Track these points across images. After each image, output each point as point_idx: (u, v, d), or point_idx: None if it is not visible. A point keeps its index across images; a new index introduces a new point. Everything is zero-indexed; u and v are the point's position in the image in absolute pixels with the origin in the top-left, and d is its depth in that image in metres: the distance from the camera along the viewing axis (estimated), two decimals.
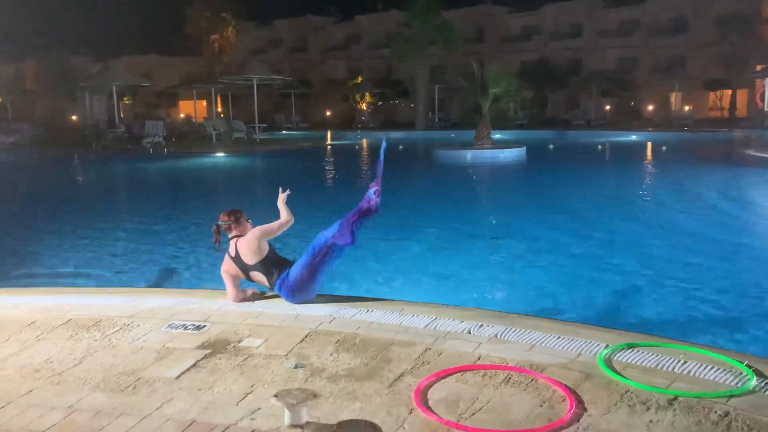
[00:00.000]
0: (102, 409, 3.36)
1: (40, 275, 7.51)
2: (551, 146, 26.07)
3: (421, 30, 38.56)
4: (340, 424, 3.17)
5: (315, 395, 3.28)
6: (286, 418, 3.14)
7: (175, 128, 30.56)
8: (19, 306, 5.12)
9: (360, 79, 49.70)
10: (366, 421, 3.20)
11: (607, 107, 44.72)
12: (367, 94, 47.63)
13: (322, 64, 56.85)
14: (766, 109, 19.24)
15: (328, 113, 52.42)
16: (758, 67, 38.34)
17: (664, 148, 25.03)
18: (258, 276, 4.98)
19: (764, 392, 3.37)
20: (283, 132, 39.08)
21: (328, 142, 32.14)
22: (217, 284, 5.39)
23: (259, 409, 3.31)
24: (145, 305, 5.04)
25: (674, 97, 43.54)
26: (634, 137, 31.54)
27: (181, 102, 52.14)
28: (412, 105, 42.76)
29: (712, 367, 3.68)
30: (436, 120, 44.00)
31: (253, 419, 3.22)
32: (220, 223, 5.12)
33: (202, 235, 9.57)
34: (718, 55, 40.02)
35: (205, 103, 43.47)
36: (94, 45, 51.87)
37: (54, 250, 8.72)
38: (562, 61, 47.66)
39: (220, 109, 43.97)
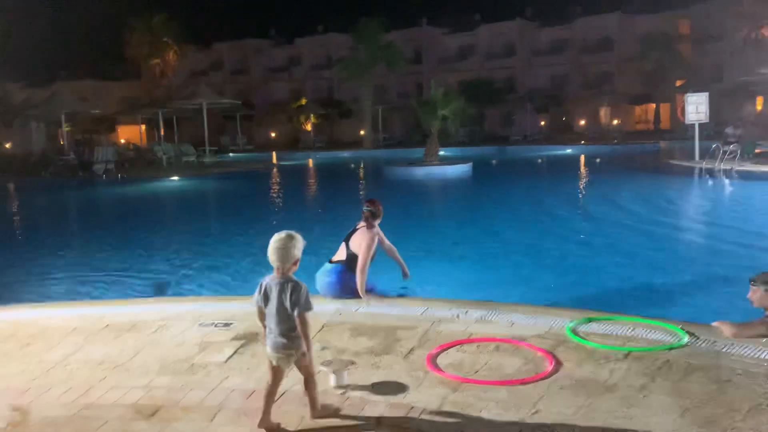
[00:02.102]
0: (172, 386, 4.07)
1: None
2: (494, 161, 27.56)
3: (366, 52, 39.81)
4: (374, 384, 3.99)
5: (353, 362, 4.10)
6: (332, 380, 3.94)
7: (122, 154, 30.50)
8: (53, 317, 5.70)
9: (305, 100, 50.46)
10: (393, 382, 4.02)
11: (542, 123, 46.94)
12: (312, 114, 48.42)
13: (264, 86, 57.40)
14: (686, 122, 21.03)
15: (272, 134, 52.92)
16: (678, 83, 41.28)
17: (598, 159, 26.84)
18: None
19: (695, 345, 4.37)
20: (230, 154, 39.37)
21: (274, 162, 32.75)
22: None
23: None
24: (172, 310, 5.70)
25: (603, 112, 46.17)
26: (569, 150, 33.47)
27: (119, 127, 51.55)
28: (360, 126, 43.77)
29: (655, 331, 4.68)
30: (381, 139, 45.19)
31: (302, 386, 3.99)
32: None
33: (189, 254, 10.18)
34: (642, 72, 42.78)
35: (144, 127, 43.31)
36: (25, 71, 50.75)
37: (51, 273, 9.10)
38: (498, 80, 49.79)
39: (163, 133, 43.86)
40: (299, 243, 3.48)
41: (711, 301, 6.56)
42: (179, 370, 4.36)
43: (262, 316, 3.53)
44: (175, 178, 23.58)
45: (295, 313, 3.38)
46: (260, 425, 3.45)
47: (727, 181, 17.14)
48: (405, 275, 6.25)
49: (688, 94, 20.66)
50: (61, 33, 56.55)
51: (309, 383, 3.57)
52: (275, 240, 3.47)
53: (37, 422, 3.71)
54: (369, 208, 5.97)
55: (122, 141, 46.40)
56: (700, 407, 3.50)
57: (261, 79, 57.75)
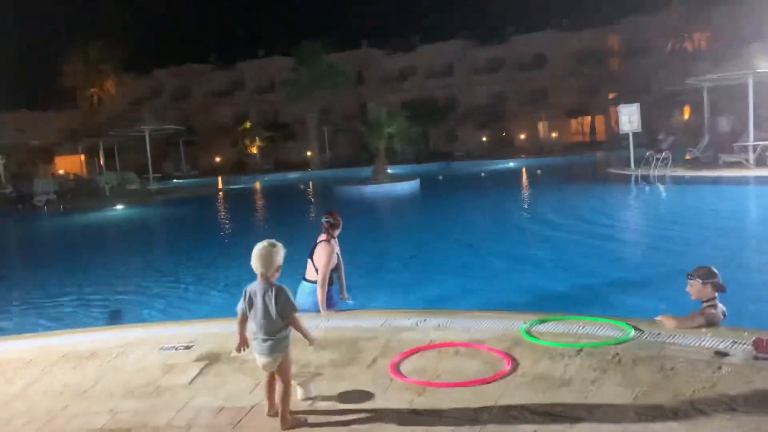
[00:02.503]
0: (139, 410, 4.07)
1: None
2: (440, 177, 28.04)
3: (309, 73, 40.05)
4: (340, 394, 4.09)
5: (318, 374, 4.20)
6: (299, 393, 4.02)
7: (63, 184, 29.70)
8: (6, 350, 5.58)
9: (248, 124, 50.20)
10: (358, 390, 4.13)
11: (484, 138, 48.03)
12: (257, 137, 48.21)
13: (207, 111, 56.81)
14: (620, 132, 21.97)
15: (217, 159, 52.35)
16: (611, 95, 43.02)
17: (539, 171, 27.69)
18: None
19: (641, 338, 4.64)
20: (174, 180, 38.76)
21: (220, 187, 32.48)
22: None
23: None
24: (131, 336, 5.66)
25: (541, 126, 47.61)
26: (511, 164, 34.38)
27: (57, 158, 50.09)
28: (306, 147, 43.84)
29: (603, 328, 4.94)
30: (329, 159, 45.33)
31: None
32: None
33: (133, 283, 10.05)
34: (576, 86, 44.41)
35: (83, 157, 42.25)
36: None
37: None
38: (439, 98, 50.73)
39: (102, 162, 42.88)
40: (281, 251, 3.74)
41: (652, 297, 6.93)
42: (144, 393, 4.36)
43: (243, 321, 3.76)
44: (120, 207, 23.11)
45: (285, 314, 3.65)
46: (268, 414, 3.81)
47: (661, 186, 17.99)
48: (342, 296, 6.27)
49: (621, 106, 21.62)
50: None
51: (285, 392, 3.69)
52: (258, 248, 3.71)
53: None
54: (328, 220, 6.10)
55: (61, 172, 45.10)
56: (648, 394, 3.74)
57: (203, 104, 57.15)
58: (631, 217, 14.52)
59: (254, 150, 48.84)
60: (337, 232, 6.15)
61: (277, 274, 3.73)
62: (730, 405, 3.51)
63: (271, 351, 3.67)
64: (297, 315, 3.74)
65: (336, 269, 6.09)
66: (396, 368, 4.42)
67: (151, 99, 56.62)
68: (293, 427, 3.66)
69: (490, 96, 51.43)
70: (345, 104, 50.85)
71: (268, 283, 3.67)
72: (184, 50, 70.74)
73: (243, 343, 3.80)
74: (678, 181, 17.91)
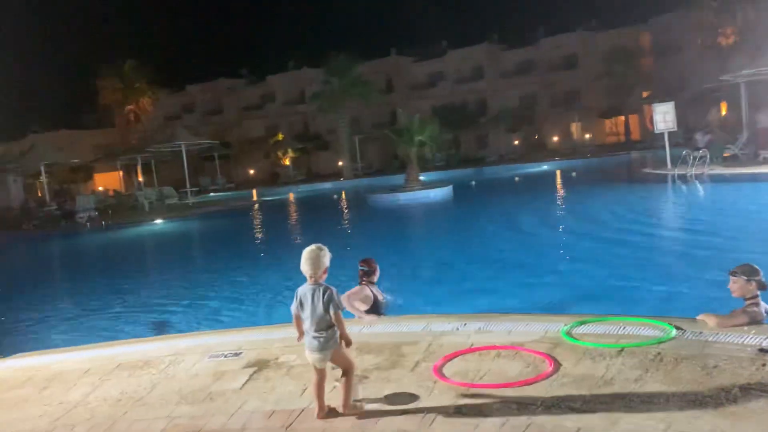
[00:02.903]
0: (195, 415, 4.26)
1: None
2: (473, 182, 27.98)
3: (339, 85, 40.48)
4: (387, 396, 4.21)
5: (366, 377, 4.33)
6: None
7: (103, 201, 30.51)
8: (65, 361, 5.84)
9: (281, 136, 50.86)
10: (404, 392, 4.25)
11: (516, 142, 47.79)
12: (290, 149, 48.79)
13: (239, 125, 57.75)
14: (655, 131, 21.70)
15: (251, 171, 53.11)
16: (644, 94, 42.42)
17: (573, 173, 27.45)
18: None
19: (683, 337, 4.66)
20: (211, 194, 39.46)
21: (255, 198, 32.97)
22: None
23: None
24: (180, 345, 5.87)
25: (575, 127, 47.16)
26: (545, 167, 34.11)
27: (96, 175, 51.44)
28: (337, 157, 44.23)
29: (644, 328, 4.97)
30: (360, 168, 45.64)
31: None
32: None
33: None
34: (608, 86, 43.88)
35: (121, 173, 43.31)
36: None
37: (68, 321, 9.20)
38: (469, 103, 50.64)
39: (141, 178, 43.88)
40: (327, 254, 4.06)
41: (694, 296, 6.90)
42: (198, 399, 4.54)
43: (298, 321, 4.05)
44: (160, 221, 23.65)
45: (331, 312, 3.90)
46: (318, 416, 3.98)
47: (699, 185, 17.71)
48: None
49: (655, 104, 21.35)
50: (30, 84, 56.41)
51: (347, 376, 3.99)
52: (307, 251, 4.03)
53: None
54: (363, 267, 6.31)
55: (100, 188, 46.29)
56: (692, 392, 3.77)
57: (236, 118, 58.11)
58: (669, 216, 14.35)
59: (287, 161, 49.41)
60: (374, 278, 6.26)
61: (324, 276, 4.03)
62: None
63: (322, 347, 3.96)
64: (341, 315, 3.98)
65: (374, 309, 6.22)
66: (439, 371, 4.52)
67: (185, 115, 57.84)
68: (353, 414, 3.93)
69: (521, 99, 51.16)
70: (375, 113, 51.18)
71: (317, 284, 3.97)
72: (216, 66, 71.94)
73: (301, 335, 4.09)
74: (716, 179, 17.61)
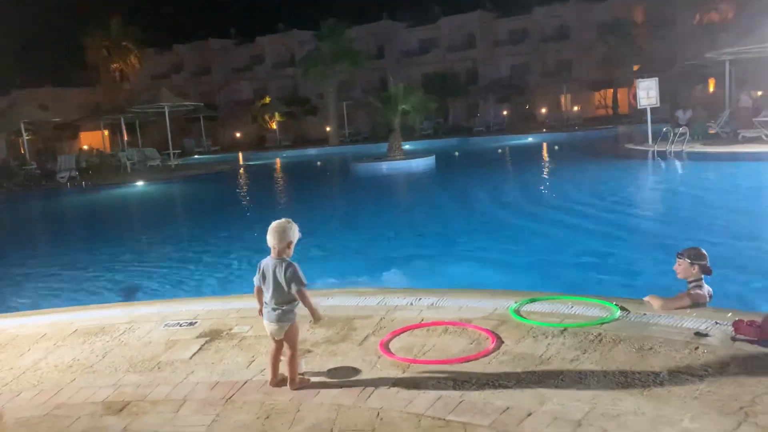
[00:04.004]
0: (141, 384, 4.32)
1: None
2: (457, 153, 27.96)
3: (328, 51, 39.98)
4: (330, 370, 4.29)
5: (309, 351, 4.42)
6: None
7: (87, 161, 30.21)
8: (24, 325, 5.88)
9: (268, 99, 50.33)
10: (347, 366, 4.33)
11: (505, 112, 47.63)
12: (276, 113, 48.35)
13: (227, 86, 57.09)
14: (639, 107, 21.70)
15: (237, 135, 52.70)
16: (635, 68, 42.22)
17: (556, 147, 27.50)
18: None
19: (626, 319, 4.76)
20: (195, 156, 39.19)
21: (238, 163, 32.78)
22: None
23: (264, 369, 4.35)
24: (138, 313, 5.93)
25: (564, 99, 47.01)
26: (530, 139, 34.13)
27: (82, 134, 50.85)
28: (326, 123, 43.90)
29: (591, 308, 5.07)
30: (347, 135, 45.40)
31: (263, 375, 4.27)
32: None
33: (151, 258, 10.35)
34: (600, 59, 43.62)
35: (107, 133, 42.79)
36: None
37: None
38: (460, 72, 50.29)
39: (126, 138, 43.44)
40: (295, 228, 4.05)
41: (654, 276, 7.01)
42: (146, 368, 4.60)
43: (260, 294, 4.10)
44: (140, 183, 23.52)
45: (293, 290, 3.94)
46: (270, 383, 4.09)
47: (677, 162, 17.80)
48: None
49: (639, 80, 21.28)
50: (13, 39, 55.25)
51: (292, 355, 4.03)
52: (274, 223, 4.03)
53: (11, 424, 3.93)
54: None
55: (85, 147, 45.83)
56: (622, 373, 3.87)
57: (224, 79, 57.41)
58: (640, 194, 14.45)
59: (273, 125, 49.01)
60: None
61: (289, 251, 4.03)
62: (698, 384, 3.63)
63: (279, 319, 3.99)
64: (305, 291, 4.00)
65: None
66: (385, 346, 4.60)
67: (172, 75, 57.04)
68: (300, 388, 4.00)
69: (512, 69, 50.88)
70: (365, 79, 50.71)
71: (280, 258, 3.99)
72: (204, 25, 70.75)
73: (262, 308, 4.13)
74: (694, 157, 17.69)
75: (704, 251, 4.98)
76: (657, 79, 20.44)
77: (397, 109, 22.00)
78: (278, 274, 3.95)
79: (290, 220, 4.07)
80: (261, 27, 57.39)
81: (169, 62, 58.45)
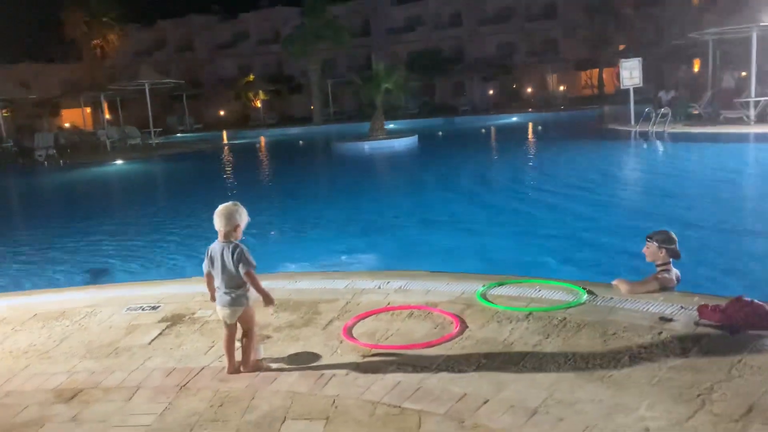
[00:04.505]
0: (95, 370, 4.22)
1: None
2: (440, 133, 27.75)
3: (311, 27, 39.43)
4: (290, 355, 4.21)
5: (268, 336, 4.33)
6: None
7: (66, 138, 29.75)
8: None
9: (252, 77, 49.71)
10: (307, 352, 4.26)
11: (491, 92, 47.42)
12: (261, 91, 47.81)
13: (211, 63, 56.29)
14: (622, 87, 21.63)
15: (221, 113, 52.12)
16: (621, 47, 42.06)
17: (539, 127, 27.42)
18: None
19: (593, 303, 4.71)
20: (178, 135, 38.74)
21: (230, 141, 32.41)
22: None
23: (223, 354, 4.26)
24: (101, 296, 5.81)
25: (550, 79, 46.83)
26: (514, 119, 34.03)
27: (63, 111, 50.07)
28: (311, 101, 43.47)
29: (558, 292, 5.01)
30: (332, 114, 45.02)
31: (220, 361, 4.19)
32: None
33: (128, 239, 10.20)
34: (586, 38, 43.42)
35: (88, 110, 42.12)
36: None
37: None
38: (446, 50, 49.90)
39: (108, 116, 42.78)
40: (242, 211, 3.95)
41: (629, 258, 6.96)
42: (103, 353, 4.50)
43: (210, 279, 4.01)
44: (119, 161, 23.22)
45: (242, 271, 3.83)
46: (228, 371, 4.00)
47: (659, 142, 17.79)
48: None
49: (623, 60, 21.20)
50: None
51: (248, 339, 3.97)
52: (221, 207, 3.96)
53: None
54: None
55: (66, 125, 45.15)
56: (583, 359, 3.82)
57: (208, 56, 56.60)
58: (619, 174, 14.43)
59: (257, 103, 48.49)
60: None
61: (236, 235, 3.94)
62: (658, 371, 3.59)
63: (231, 304, 3.91)
64: (254, 273, 3.89)
65: None
66: (348, 331, 4.53)
67: (155, 51, 56.15)
68: (255, 370, 3.96)
69: (498, 47, 50.55)
70: (350, 56, 50.20)
71: (227, 241, 3.89)
72: (188, 0, 69.31)
73: (213, 294, 4.04)
74: (676, 137, 17.68)
75: (674, 235, 4.93)
76: (640, 59, 20.38)
77: (379, 87, 21.78)
78: (226, 258, 3.86)
79: (237, 203, 3.98)
80: (244, 2, 56.45)
81: (152, 38, 57.47)
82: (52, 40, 50.98)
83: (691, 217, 8.75)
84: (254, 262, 3.90)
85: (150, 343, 4.63)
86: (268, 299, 3.95)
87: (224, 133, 36.58)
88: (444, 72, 46.25)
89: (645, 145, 17.78)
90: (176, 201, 14.51)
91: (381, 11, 53.39)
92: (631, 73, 20.11)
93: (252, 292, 3.95)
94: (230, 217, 3.89)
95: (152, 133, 29.19)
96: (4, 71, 45.19)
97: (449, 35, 51.26)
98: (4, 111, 40.74)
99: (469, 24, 51.25)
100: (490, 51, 50.37)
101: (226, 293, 3.91)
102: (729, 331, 4.02)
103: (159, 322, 5.04)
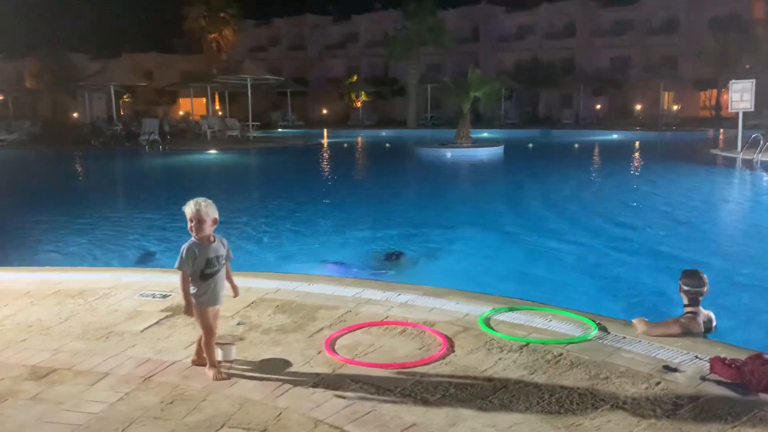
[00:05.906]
0: (79, 351, 4.31)
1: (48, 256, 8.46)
2: (530, 145, 26.66)
3: (413, 30, 39.49)
4: (263, 360, 4.12)
5: (241, 339, 4.27)
6: (219, 355, 4.09)
7: (173, 126, 31.47)
8: (17, 280, 6.07)
9: (355, 78, 50.51)
10: (281, 359, 4.15)
11: (598, 106, 45.53)
12: (363, 92, 48.47)
13: (320, 62, 57.72)
14: (729, 110, 20.06)
15: (324, 111, 53.31)
16: (746, 66, 39.08)
17: (636, 147, 25.87)
18: None
19: (598, 341, 4.30)
20: (279, 130, 39.93)
21: (325, 140, 33.03)
22: None
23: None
24: (124, 279, 5.98)
25: (665, 97, 44.25)
26: (615, 136, 32.36)
27: (180, 100, 53.03)
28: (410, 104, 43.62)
29: (569, 324, 4.63)
30: (429, 118, 44.88)
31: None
32: None
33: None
34: (710, 56, 40.66)
35: (204, 101, 44.37)
36: (94, 42, 52.54)
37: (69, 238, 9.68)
38: (556, 60, 48.47)
39: (218, 107, 44.87)
40: (194, 208, 3.90)
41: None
42: (95, 336, 4.60)
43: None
44: (213, 151, 24.22)
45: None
46: (192, 362, 4.07)
47: (762, 173, 16.27)
48: None
49: (733, 81, 19.64)
50: (124, 4, 58.19)
51: (206, 342, 3.95)
52: (203, 200, 3.97)
53: None
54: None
55: (180, 113, 47.81)
56: (558, 403, 3.47)
57: (317, 55, 58.07)
58: (709, 204, 13.28)
59: (358, 104, 49.19)
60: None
61: (193, 231, 3.91)
62: (633, 426, 3.20)
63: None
64: (181, 275, 3.86)
65: None
66: (331, 342, 4.38)
67: (269, 48, 58.32)
68: (198, 365, 3.97)
69: (612, 60, 48.49)
70: (456, 62, 49.84)
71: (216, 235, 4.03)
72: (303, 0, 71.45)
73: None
74: None
75: (703, 276, 4.43)
76: (754, 80, 18.79)
77: (468, 95, 21.41)
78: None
79: (204, 200, 3.94)
80: (358, 4, 57.34)
81: (267, 35, 59.73)
82: (175, 34, 54.14)
83: None
84: (178, 264, 3.86)
85: (142, 332, 4.69)
86: (183, 308, 3.92)
87: (324, 132, 37.29)
88: (551, 83, 44.93)
89: (745, 174, 16.34)
90: (251, 192, 14.88)
91: (492, 18, 52.64)
92: (742, 95, 18.58)
93: (199, 292, 3.91)
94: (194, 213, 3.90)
95: (250, 126, 30.25)
96: (131, 60, 48.59)
97: (561, 45, 49.73)
98: (125, 97, 43.87)
99: (582, 35, 49.52)
100: (603, 64, 48.39)
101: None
102: (739, 391, 3.53)
103: (162, 311, 5.11)
